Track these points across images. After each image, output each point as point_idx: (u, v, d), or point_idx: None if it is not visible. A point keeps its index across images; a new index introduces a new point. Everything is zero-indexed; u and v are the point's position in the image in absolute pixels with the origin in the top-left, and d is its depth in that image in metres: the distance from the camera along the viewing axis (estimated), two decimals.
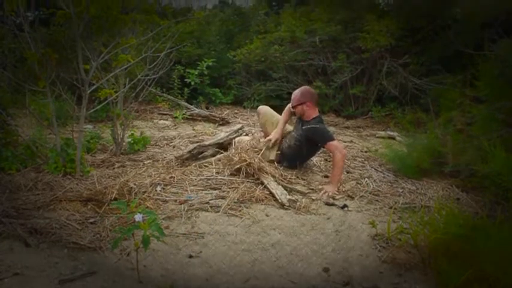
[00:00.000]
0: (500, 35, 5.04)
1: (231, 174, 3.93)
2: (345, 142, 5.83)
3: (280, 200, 3.44)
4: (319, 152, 4.54)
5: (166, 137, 5.61)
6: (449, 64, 6.71)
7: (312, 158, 4.48)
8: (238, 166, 3.89)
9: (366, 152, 5.29)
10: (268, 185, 3.67)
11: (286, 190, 3.65)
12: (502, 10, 6.01)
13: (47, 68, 3.68)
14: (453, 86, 5.33)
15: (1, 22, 3.93)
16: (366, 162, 4.75)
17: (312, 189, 3.84)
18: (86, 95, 3.77)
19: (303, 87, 4.35)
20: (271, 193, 3.59)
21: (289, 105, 4.29)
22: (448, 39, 6.65)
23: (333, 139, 3.98)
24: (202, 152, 4.47)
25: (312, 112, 4.15)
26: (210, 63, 8.36)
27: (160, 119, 7.06)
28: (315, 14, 8.18)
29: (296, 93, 4.21)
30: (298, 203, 3.42)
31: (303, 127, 4.13)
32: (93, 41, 3.94)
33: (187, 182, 3.78)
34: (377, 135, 6.31)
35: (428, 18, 7.16)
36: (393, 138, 5.87)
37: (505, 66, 3.93)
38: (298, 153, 4.19)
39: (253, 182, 3.79)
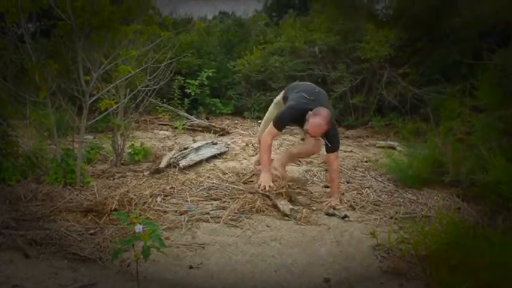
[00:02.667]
0: (498, 45, 5.06)
1: (232, 182, 3.95)
2: (346, 152, 5.83)
3: (282, 210, 3.43)
4: (319, 163, 4.54)
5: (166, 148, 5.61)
6: (448, 74, 6.74)
7: (312, 169, 4.48)
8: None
9: (366, 162, 5.28)
10: (271, 195, 3.66)
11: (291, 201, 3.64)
12: (500, 20, 6.05)
13: (47, 79, 3.69)
14: (452, 96, 5.34)
15: (2, 33, 3.95)
16: (367, 172, 4.75)
17: (313, 200, 3.83)
18: (87, 106, 3.78)
19: (323, 113, 3.61)
20: (273, 204, 3.58)
21: (273, 128, 3.83)
22: (447, 49, 6.68)
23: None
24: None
25: None
26: (210, 74, 8.38)
27: (160, 130, 7.06)
28: (315, 25, 8.23)
29: (321, 124, 3.59)
30: (299, 214, 3.40)
31: None
32: (94, 52, 3.96)
33: (187, 193, 3.78)
34: (377, 145, 6.31)
35: (427, 28, 7.20)
36: (393, 148, 5.87)
37: (503, 75, 3.95)
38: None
39: (253, 193, 3.78)
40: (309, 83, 4.45)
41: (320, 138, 3.80)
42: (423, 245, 2.63)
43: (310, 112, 3.60)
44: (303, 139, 4.31)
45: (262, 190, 3.66)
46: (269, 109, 4.36)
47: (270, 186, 3.67)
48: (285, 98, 4.04)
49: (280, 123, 3.83)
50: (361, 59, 7.29)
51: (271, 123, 3.83)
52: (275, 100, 4.30)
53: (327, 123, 3.58)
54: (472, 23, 6.53)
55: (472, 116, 4.11)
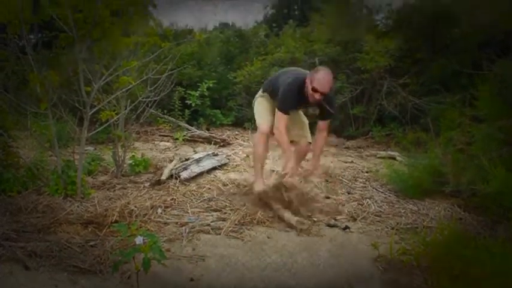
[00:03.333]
0: (497, 55, 5.08)
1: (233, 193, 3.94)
2: (346, 163, 5.83)
3: (288, 221, 3.41)
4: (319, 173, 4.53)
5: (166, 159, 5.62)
6: (448, 84, 6.77)
7: (313, 179, 4.47)
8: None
9: (367, 172, 5.28)
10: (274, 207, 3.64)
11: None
12: (499, 30, 6.08)
13: (49, 90, 3.70)
14: (452, 106, 5.36)
15: (4, 45, 3.98)
16: (367, 182, 4.74)
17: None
18: (88, 117, 3.79)
19: (323, 68, 3.67)
20: (278, 216, 3.56)
21: (282, 114, 3.75)
22: (446, 59, 6.71)
23: None
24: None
25: None
26: (211, 85, 8.42)
27: (161, 141, 7.08)
28: (315, 35, 8.29)
29: (327, 76, 3.56)
30: (303, 225, 3.38)
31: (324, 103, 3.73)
32: (95, 63, 3.98)
33: (188, 204, 3.77)
34: (378, 156, 6.31)
35: (426, 38, 7.24)
36: (394, 158, 5.87)
37: (503, 86, 3.96)
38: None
39: (255, 204, 3.78)
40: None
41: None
42: (425, 256, 2.61)
43: (308, 76, 3.62)
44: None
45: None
46: (255, 105, 4.17)
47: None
48: (273, 91, 3.94)
49: (285, 105, 3.75)
50: (361, 69, 7.34)
51: (277, 110, 3.76)
52: (256, 99, 4.18)
53: (331, 76, 3.59)
54: (471, 34, 6.57)
55: (472, 126, 4.12)
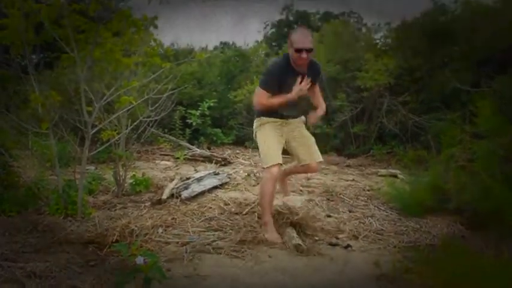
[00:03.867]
0: (495, 72, 5.12)
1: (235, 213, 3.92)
2: (347, 181, 5.82)
3: (289, 243, 3.38)
4: (321, 192, 4.51)
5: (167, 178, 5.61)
6: (448, 101, 6.81)
7: (314, 198, 4.46)
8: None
9: (368, 190, 5.26)
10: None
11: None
12: (497, 48, 6.13)
13: (50, 110, 3.72)
14: (453, 123, 5.37)
15: (7, 65, 4.02)
16: (369, 201, 4.72)
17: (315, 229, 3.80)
18: (89, 137, 3.80)
19: (300, 27, 3.75)
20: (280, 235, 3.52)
21: (261, 90, 3.56)
22: (445, 77, 6.75)
23: None
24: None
25: None
26: (212, 104, 8.47)
27: (162, 160, 7.08)
28: (315, 54, 8.33)
29: (305, 32, 3.50)
30: (303, 246, 3.35)
31: (312, 73, 3.61)
32: (96, 83, 4.01)
33: (189, 224, 3.75)
34: (379, 174, 6.30)
35: (425, 57, 7.30)
36: (395, 176, 5.86)
37: (503, 102, 3.97)
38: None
39: (256, 222, 3.76)
40: None
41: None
42: (428, 275, 2.59)
43: (288, 45, 3.52)
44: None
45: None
46: (258, 136, 3.78)
47: None
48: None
49: (266, 81, 3.57)
50: (361, 88, 7.38)
51: (257, 88, 3.63)
52: (257, 129, 3.80)
53: (308, 31, 3.51)
54: (469, 52, 6.62)
55: (473, 143, 4.12)
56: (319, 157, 3.83)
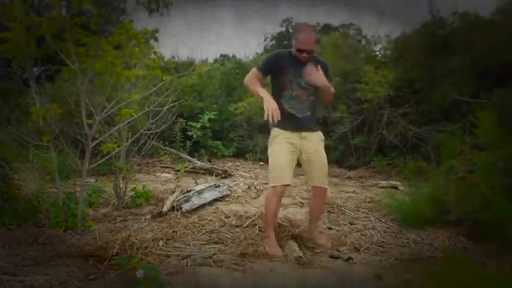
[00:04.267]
0: (494, 85, 5.14)
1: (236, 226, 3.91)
2: (348, 193, 5.81)
3: (290, 256, 3.36)
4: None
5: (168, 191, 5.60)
6: (447, 112, 6.83)
7: None
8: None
9: (369, 202, 5.26)
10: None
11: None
12: (495, 61, 6.17)
13: (51, 123, 3.73)
14: (453, 134, 5.38)
15: (8, 78, 4.05)
16: (370, 212, 4.71)
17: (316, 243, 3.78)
18: (89, 150, 3.80)
19: (304, 24, 3.60)
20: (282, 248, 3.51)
21: (254, 69, 3.61)
22: (445, 88, 6.78)
23: None
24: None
25: None
26: (212, 116, 8.48)
27: (162, 172, 7.07)
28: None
29: (310, 32, 3.49)
30: (304, 259, 3.34)
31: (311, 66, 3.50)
32: (97, 95, 4.02)
33: (190, 236, 3.74)
34: (379, 185, 6.29)
35: (425, 69, 7.33)
36: (396, 187, 5.85)
37: (502, 114, 3.98)
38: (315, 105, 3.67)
39: (257, 235, 3.74)
40: None
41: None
42: (430, 287, 2.57)
43: (292, 39, 3.53)
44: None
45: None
46: (272, 147, 3.61)
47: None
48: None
49: (261, 64, 3.66)
50: (361, 99, 7.40)
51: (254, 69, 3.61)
52: (274, 139, 3.62)
53: (312, 32, 3.48)
54: (468, 64, 6.66)
55: (473, 154, 4.12)
56: (324, 183, 3.64)
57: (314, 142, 3.61)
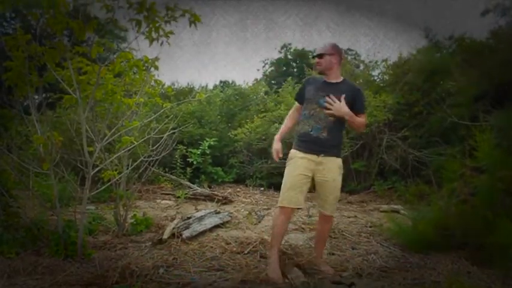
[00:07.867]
0: (493, 106, 5.17)
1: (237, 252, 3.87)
2: (349, 218, 5.78)
3: (293, 283, 3.32)
4: None
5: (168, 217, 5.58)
6: (447, 136, 6.84)
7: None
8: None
9: (370, 227, 5.23)
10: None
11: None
12: (492, 84, 6.22)
13: (52, 151, 3.74)
14: (453, 157, 5.38)
15: (10, 106, 4.07)
16: (372, 237, 4.68)
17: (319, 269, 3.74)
18: (89, 177, 3.80)
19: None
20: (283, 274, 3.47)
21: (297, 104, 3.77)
22: (443, 111, 6.83)
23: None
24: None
25: (339, 73, 3.61)
26: (212, 143, 8.50)
27: (162, 199, 7.05)
28: None
29: (325, 44, 3.57)
30: (308, 284, 3.30)
31: (339, 90, 3.48)
32: (98, 123, 4.04)
33: (190, 264, 3.71)
34: (381, 209, 6.26)
35: (423, 92, 7.39)
36: (397, 211, 5.83)
37: (502, 136, 4.00)
38: (341, 133, 3.66)
39: (258, 262, 3.71)
40: None
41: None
42: None
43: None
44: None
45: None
46: (289, 166, 3.56)
47: None
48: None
49: (296, 93, 3.84)
50: None
51: None
52: (292, 160, 3.56)
53: (332, 44, 3.59)
54: (466, 87, 6.71)
55: (474, 177, 4.11)
56: (331, 211, 3.61)
57: (332, 171, 3.50)
